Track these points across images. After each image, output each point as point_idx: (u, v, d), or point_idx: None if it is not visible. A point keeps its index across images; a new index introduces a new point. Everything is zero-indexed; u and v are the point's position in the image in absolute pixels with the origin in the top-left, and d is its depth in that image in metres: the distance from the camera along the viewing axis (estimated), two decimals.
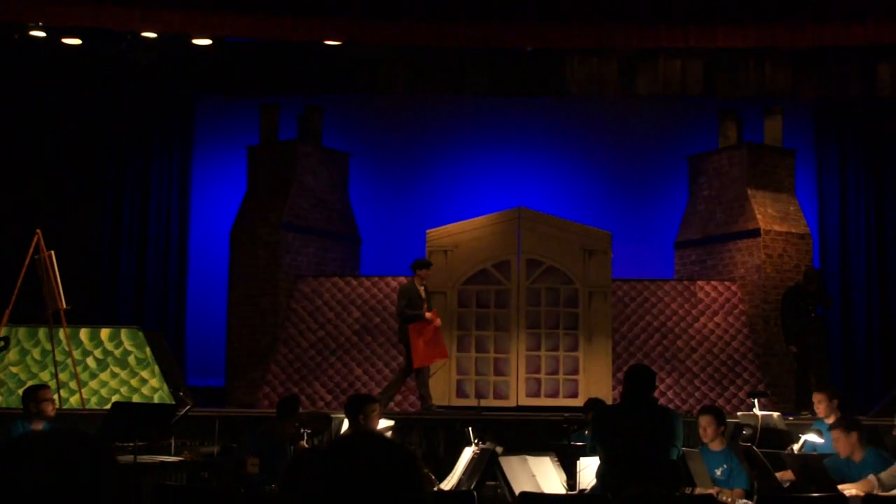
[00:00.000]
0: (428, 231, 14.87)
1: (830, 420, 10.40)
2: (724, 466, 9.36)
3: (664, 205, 17.27)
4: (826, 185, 17.05)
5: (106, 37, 13.97)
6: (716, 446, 9.49)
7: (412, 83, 15.33)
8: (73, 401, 13.13)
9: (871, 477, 8.90)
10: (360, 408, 9.01)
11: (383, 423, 9.77)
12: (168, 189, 17.10)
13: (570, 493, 8.85)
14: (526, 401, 14.20)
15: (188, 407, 10.18)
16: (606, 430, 8.05)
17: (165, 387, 13.20)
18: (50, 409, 9.80)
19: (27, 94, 15.76)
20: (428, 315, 13.23)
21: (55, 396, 10.07)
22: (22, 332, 13.65)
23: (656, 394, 8.40)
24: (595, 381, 14.18)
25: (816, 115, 17.12)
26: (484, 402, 13.95)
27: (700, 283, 15.68)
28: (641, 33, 13.68)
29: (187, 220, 17.22)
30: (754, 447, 9.60)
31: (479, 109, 16.79)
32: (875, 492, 8.69)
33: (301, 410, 10.01)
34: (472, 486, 8.73)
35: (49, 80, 15.51)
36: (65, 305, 12.97)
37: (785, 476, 9.33)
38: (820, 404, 10.57)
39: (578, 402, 13.13)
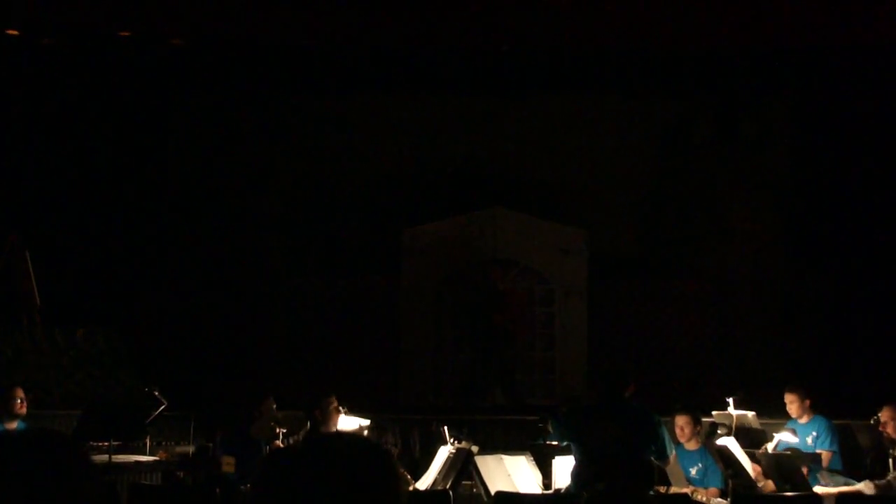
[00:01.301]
0: (404, 230, 14.87)
1: (803, 420, 10.46)
2: (699, 466, 9.42)
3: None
4: (802, 184, 17.07)
5: (82, 35, 13.91)
6: (691, 446, 9.54)
7: (388, 81, 15.32)
8: (48, 400, 13.06)
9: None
10: (315, 402, 9.07)
11: (359, 423, 9.77)
12: (143, 188, 17.00)
13: (545, 492, 8.87)
14: (502, 400, 14.21)
15: (163, 406, 10.14)
16: (579, 428, 8.09)
17: (140, 386, 13.14)
18: (19, 407, 9.77)
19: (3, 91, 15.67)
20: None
21: (28, 396, 10.02)
22: None
23: (632, 393, 8.44)
24: (571, 380, 14.21)
25: (793, 113, 17.11)
26: (461, 401, 13.97)
27: (675, 281, 15.71)
28: (618, 32, 13.71)
29: (161, 218, 17.13)
30: (729, 446, 9.65)
31: (458, 107, 16.74)
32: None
33: (276, 409, 10.00)
34: (448, 486, 8.75)
35: (26, 78, 15.42)
36: (38, 303, 12.91)
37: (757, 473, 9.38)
38: (792, 404, 10.63)
39: (554, 401, 13.17)
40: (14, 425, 9.67)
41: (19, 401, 9.81)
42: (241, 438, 9.68)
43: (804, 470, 9.27)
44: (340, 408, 9.48)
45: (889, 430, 9.76)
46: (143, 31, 13.80)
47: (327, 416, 9.04)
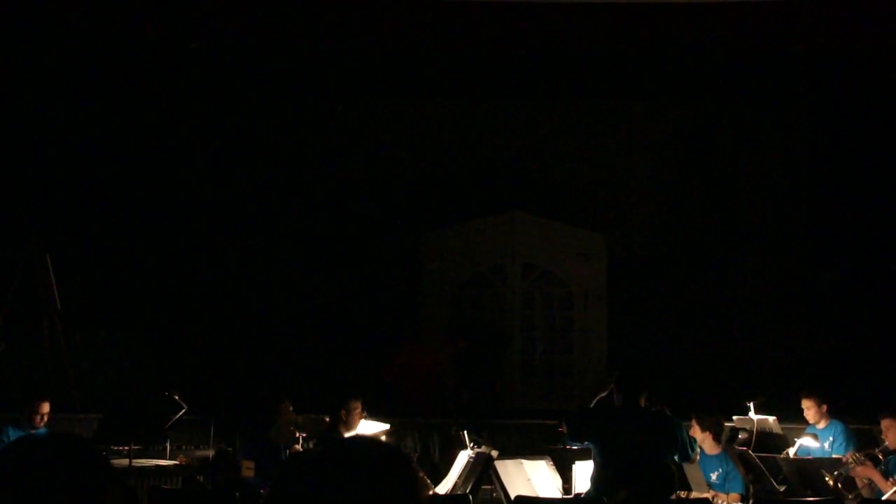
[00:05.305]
0: (423, 234, 14.87)
1: (821, 426, 10.43)
2: (720, 470, 9.38)
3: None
4: (823, 185, 16.97)
5: (101, 39, 13.95)
6: (712, 450, 9.51)
7: (407, 85, 15.33)
8: (68, 404, 13.10)
9: None
10: (343, 402, 9.11)
11: (378, 427, 9.77)
12: (163, 191, 17.03)
13: (565, 496, 8.85)
14: (521, 404, 14.20)
15: (183, 410, 10.17)
16: (598, 432, 8.07)
17: (160, 390, 13.16)
18: (38, 422, 9.81)
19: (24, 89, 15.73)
20: None
21: (48, 407, 10.05)
22: (17, 334, 13.61)
23: (654, 397, 8.42)
24: (591, 384, 14.17)
25: (812, 114, 17.03)
26: (479, 406, 13.95)
27: (695, 285, 15.65)
28: (636, 35, 13.68)
29: (180, 222, 17.15)
30: (750, 451, 9.61)
31: (477, 110, 16.73)
32: None
33: (294, 413, 10.01)
34: (468, 490, 8.74)
35: (46, 81, 15.48)
36: (58, 306, 12.97)
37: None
38: (809, 410, 10.59)
39: (572, 405, 13.14)
40: (34, 431, 9.71)
41: (39, 417, 9.85)
42: (260, 442, 9.70)
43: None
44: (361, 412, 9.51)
45: (889, 437, 9.69)
46: (162, 35, 13.84)
47: (351, 418, 9.09)
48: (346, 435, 9.06)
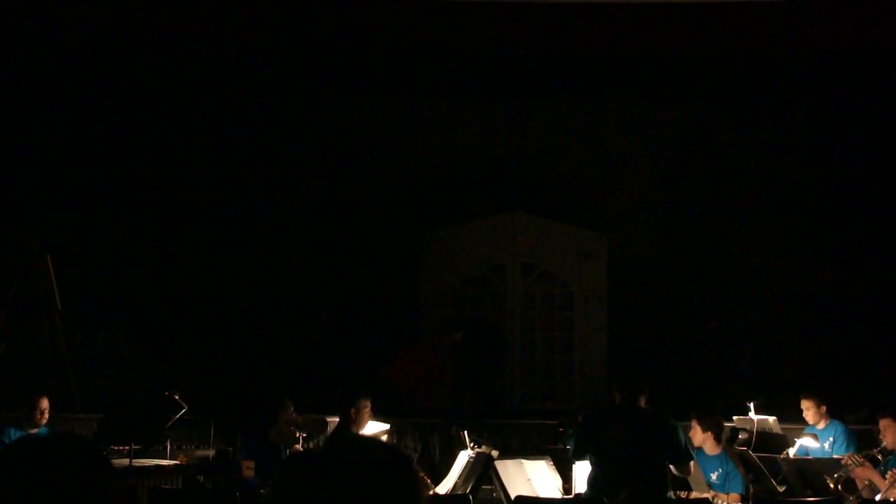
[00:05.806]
0: (423, 234, 14.87)
1: (820, 426, 10.43)
2: (720, 471, 9.38)
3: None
4: (823, 186, 16.96)
5: (104, 40, 13.95)
6: (712, 451, 9.51)
7: (408, 85, 15.33)
8: (69, 404, 13.09)
9: None
10: (352, 401, 9.12)
11: (379, 427, 9.78)
12: (164, 191, 17.02)
13: (565, 496, 8.85)
14: (521, 404, 14.20)
15: (183, 410, 10.16)
16: (595, 435, 8.07)
17: (161, 390, 13.15)
18: (39, 418, 9.81)
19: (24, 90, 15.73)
20: None
21: (47, 403, 10.05)
22: (18, 334, 13.60)
23: (652, 398, 8.41)
24: (590, 384, 14.18)
25: (813, 114, 17.03)
26: (479, 406, 13.96)
27: (695, 285, 15.65)
28: (636, 36, 13.67)
29: (182, 222, 17.15)
30: (750, 451, 9.61)
31: (478, 111, 16.73)
32: None
33: (294, 413, 10.00)
34: (468, 490, 8.74)
35: (47, 80, 15.48)
36: (59, 306, 12.97)
37: None
38: (808, 411, 10.59)
39: (572, 405, 13.14)
40: (36, 430, 9.72)
41: (39, 413, 9.85)
42: (261, 442, 9.70)
43: None
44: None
45: (887, 437, 9.69)
46: (162, 35, 13.83)
47: (361, 417, 9.10)
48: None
